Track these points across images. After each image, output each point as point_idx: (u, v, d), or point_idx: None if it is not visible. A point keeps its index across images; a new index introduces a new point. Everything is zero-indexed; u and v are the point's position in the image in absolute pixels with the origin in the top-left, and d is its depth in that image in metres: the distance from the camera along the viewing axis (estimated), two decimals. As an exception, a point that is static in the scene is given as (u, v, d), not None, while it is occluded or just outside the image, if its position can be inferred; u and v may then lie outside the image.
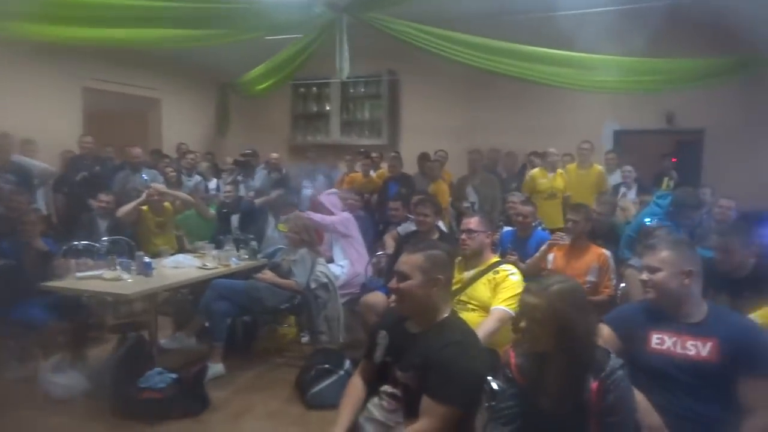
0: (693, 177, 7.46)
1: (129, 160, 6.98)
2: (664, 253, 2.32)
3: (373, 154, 8.31)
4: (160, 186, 6.22)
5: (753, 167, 6.99)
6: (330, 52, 5.85)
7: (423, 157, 7.69)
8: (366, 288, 5.05)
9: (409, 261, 2.27)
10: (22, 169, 6.03)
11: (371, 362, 2.39)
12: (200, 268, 4.86)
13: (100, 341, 4.95)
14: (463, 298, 3.35)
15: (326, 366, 4.10)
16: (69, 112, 7.79)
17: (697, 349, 2.20)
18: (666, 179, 6.36)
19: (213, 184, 7.83)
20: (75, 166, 6.88)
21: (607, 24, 5.72)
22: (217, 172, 8.31)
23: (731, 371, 2.13)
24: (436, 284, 2.24)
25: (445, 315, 2.27)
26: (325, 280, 4.82)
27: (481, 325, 3.06)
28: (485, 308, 3.26)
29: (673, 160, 7.66)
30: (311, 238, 4.93)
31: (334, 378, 4.02)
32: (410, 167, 7.73)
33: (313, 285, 4.75)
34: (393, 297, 2.43)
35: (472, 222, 3.57)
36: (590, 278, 4.03)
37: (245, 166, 7.85)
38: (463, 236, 3.55)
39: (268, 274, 4.78)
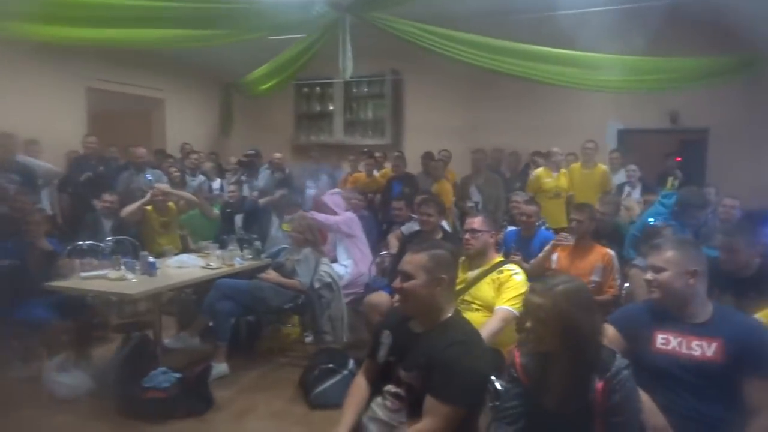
0: (697, 176, 7.44)
1: (133, 160, 6.99)
2: (669, 253, 2.31)
3: (377, 154, 8.32)
4: (164, 186, 6.23)
5: (758, 166, 6.97)
6: (333, 51, 5.85)
7: (427, 156, 7.69)
8: (370, 288, 5.06)
9: (413, 261, 2.27)
10: (26, 169, 6.04)
11: (375, 362, 2.39)
12: (204, 267, 4.86)
13: (104, 341, 4.97)
14: (466, 297, 3.34)
15: (330, 366, 4.10)
16: (73, 112, 7.81)
17: (702, 349, 2.19)
18: (670, 179, 6.33)
19: (217, 184, 7.83)
20: (79, 166, 6.90)
21: (608, 23, 5.72)
22: (220, 172, 8.32)
23: (736, 371, 2.12)
24: (439, 284, 2.24)
25: (449, 315, 2.27)
26: (329, 279, 4.82)
27: (485, 324, 3.06)
28: (489, 308, 3.26)
29: (678, 159, 7.63)
30: (315, 238, 4.93)
31: (337, 378, 4.02)
32: (414, 167, 7.73)
33: (316, 285, 4.75)
34: (397, 297, 2.42)
35: (476, 222, 3.56)
36: (594, 278, 4.01)
37: (249, 166, 7.85)
38: (467, 236, 3.54)
39: (271, 274, 4.79)
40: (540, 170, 7.03)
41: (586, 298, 1.99)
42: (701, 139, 8.03)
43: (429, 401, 2.09)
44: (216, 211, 6.46)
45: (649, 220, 4.78)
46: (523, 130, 8.33)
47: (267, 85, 7.89)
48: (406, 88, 9.67)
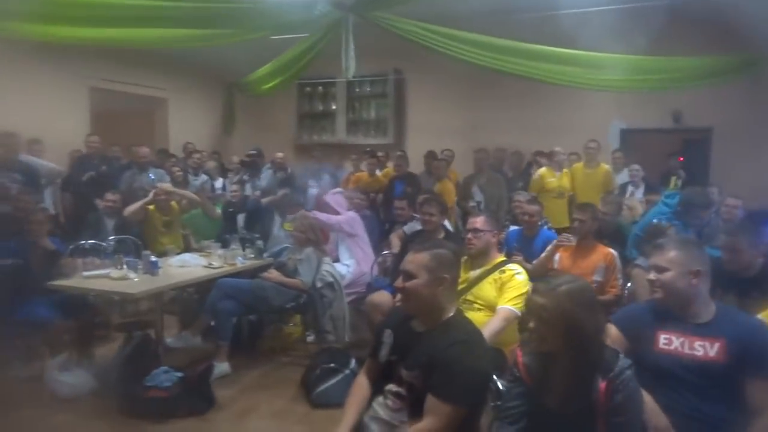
0: (700, 176, 7.43)
1: (136, 160, 7.00)
2: (672, 253, 2.30)
3: (379, 154, 8.31)
4: (167, 185, 6.23)
5: (760, 166, 6.94)
6: (336, 51, 5.85)
7: (430, 156, 7.68)
8: (372, 287, 5.05)
9: (415, 260, 2.27)
10: (29, 168, 6.05)
11: (376, 361, 2.38)
12: (206, 267, 4.86)
13: (106, 340, 4.97)
14: (468, 297, 3.34)
15: (332, 365, 4.10)
16: (76, 111, 7.82)
17: (705, 349, 2.18)
18: (674, 178, 6.33)
19: (219, 183, 7.84)
20: (82, 165, 6.91)
21: (610, 22, 5.70)
22: (223, 171, 8.33)
23: (738, 372, 2.11)
24: (441, 283, 2.23)
25: (451, 314, 2.26)
26: (331, 279, 4.82)
27: (487, 324, 3.06)
28: (491, 308, 3.26)
29: (681, 159, 7.62)
30: (317, 238, 4.93)
31: (339, 377, 4.02)
32: (416, 166, 7.72)
33: (318, 284, 4.75)
34: (399, 296, 2.42)
35: (478, 221, 3.56)
36: (597, 278, 4.01)
37: (251, 165, 7.86)
38: (469, 235, 3.54)
39: (273, 274, 4.78)
40: (543, 170, 7.02)
41: (589, 298, 1.99)
42: (704, 138, 8.01)
43: (430, 400, 2.09)
44: (218, 210, 6.47)
45: (653, 220, 4.77)
46: (526, 130, 8.32)
47: (270, 85, 7.89)
48: (408, 87, 9.67)
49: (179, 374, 3.88)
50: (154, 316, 4.73)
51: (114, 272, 4.35)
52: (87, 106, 8.00)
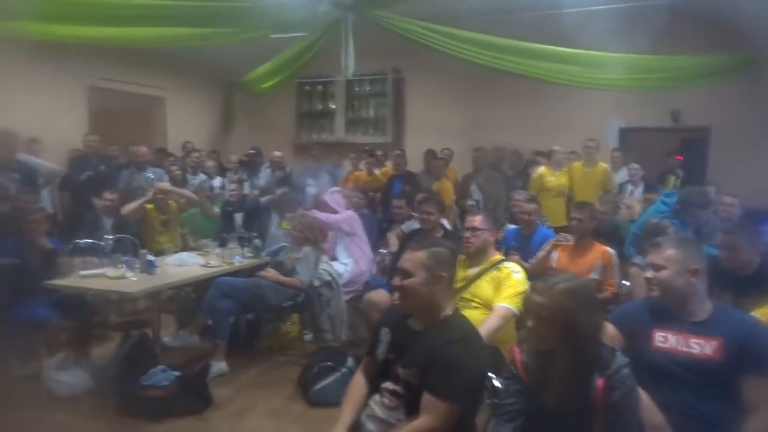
0: (699, 175, 7.43)
1: (134, 159, 7.00)
2: (670, 251, 2.30)
3: (378, 152, 8.31)
4: (165, 184, 6.23)
5: (758, 165, 6.95)
6: (335, 50, 5.84)
7: (429, 154, 7.69)
8: (369, 286, 5.06)
9: (413, 258, 2.27)
10: (27, 168, 6.03)
11: (374, 359, 2.39)
12: (204, 266, 4.86)
13: (103, 339, 4.96)
14: (466, 295, 3.35)
15: (329, 364, 4.10)
16: (74, 110, 7.81)
17: (701, 347, 2.18)
18: (672, 177, 6.33)
19: (218, 182, 7.83)
20: (80, 164, 6.90)
21: (610, 21, 5.71)
22: (221, 170, 8.33)
23: (735, 370, 2.11)
24: (439, 282, 2.23)
25: (448, 312, 2.27)
26: (329, 278, 4.82)
27: (484, 322, 3.06)
28: (488, 306, 3.26)
29: (679, 158, 7.62)
30: (315, 236, 4.93)
31: (336, 376, 4.02)
32: (415, 165, 7.72)
33: (316, 283, 4.75)
34: (396, 294, 2.42)
35: (476, 220, 3.57)
36: (594, 276, 4.01)
37: (250, 165, 7.87)
38: (467, 234, 3.54)
39: (271, 272, 4.78)
40: (543, 169, 7.02)
41: (587, 297, 1.99)
42: (702, 137, 8.02)
43: (427, 398, 2.09)
44: (216, 209, 6.46)
45: (653, 220, 4.77)
46: (525, 129, 8.32)
47: (269, 84, 7.89)
48: (407, 86, 9.67)
49: (176, 373, 3.87)
50: (152, 315, 4.73)
51: (111, 271, 4.35)
52: (85, 105, 7.99)
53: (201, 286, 5.01)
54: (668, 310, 2.30)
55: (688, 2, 6.02)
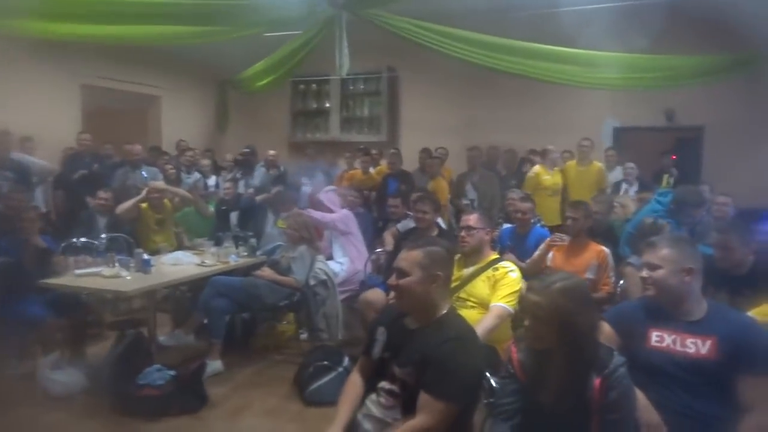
0: (693, 174, 7.44)
1: (128, 158, 6.98)
2: (665, 251, 2.31)
3: (373, 151, 8.30)
4: (160, 183, 6.22)
5: (753, 164, 6.97)
6: (329, 48, 5.84)
7: (425, 152, 7.70)
8: (365, 285, 5.05)
9: (409, 258, 2.27)
10: (20, 166, 6.02)
11: (370, 359, 2.39)
12: (199, 265, 4.86)
13: (98, 338, 4.95)
14: (462, 295, 3.35)
15: (325, 363, 4.10)
16: (68, 109, 7.78)
17: (697, 346, 2.19)
18: (666, 176, 6.35)
19: (212, 181, 7.82)
20: (73, 163, 6.88)
21: (606, 21, 5.71)
22: (216, 169, 8.31)
23: (730, 369, 2.12)
24: (435, 281, 2.24)
25: (444, 312, 2.27)
26: (324, 277, 4.82)
27: (480, 322, 3.07)
28: (484, 305, 3.27)
29: (673, 157, 7.64)
30: (310, 235, 4.92)
31: (332, 375, 4.02)
32: (409, 164, 7.72)
33: (312, 282, 4.75)
34: (392, 294, 2.42)
35: (472, 219, 3.57)
36: (589, 275, 4.02)
37: (244, 164, 7.85)
38: (463, 233, 3.54)
39: (267, 271, 4.78)
40: (538, 168, 7.03)
41: (583, 295, 2.00)
42: (697, 137, 8.04)
43: (423, 398, 2.09)
44: (211, 208, 6.45)
45: (648, 219, 4.78)
46: (519, 128, 8.33)
47: (263, 82, 7.87)
48: (402, 85, 9.66)
49: (172, 372, 3.87)
50: (147, 315, 4.72)
51: (106, 270, 4.35)
52: (79, 103, 7.95)
53: (196, 285, 5.01)
54: (664, 309, 2.31)
55: (685, 1, 6.03)
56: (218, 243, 5.34)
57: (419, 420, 2.08)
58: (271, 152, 8.07)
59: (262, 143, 8.81)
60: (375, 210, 7.06)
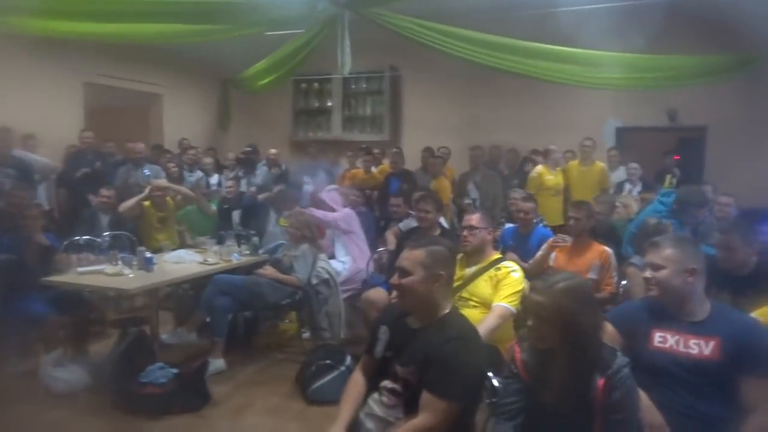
0: (695, 174, 7.43)
1: (131, 156, 6.99)
2: (668, 251, 2.31)
3: (375, 150, 8.29)
4: (162, 181, 6.22)
5: (755, 165, 6.96)
6: (332, 47, 5.83)
7: (427, 152, 7.71)
8: (367, 284, 5.05)
9: (411, 257, 2.27)
10: (23, 164, 6.03)
11: (372, 358, 2.39)
12: (201, 263, 4.86)
13: (101, 336, 4.96)
14: (464, 294, 3.35)
15: (327, 362, 4.10)
16: (70, 107, 7.79)
17: (700, 347, 2.19)
18: (668, 176, 6.34)
19: (214, 179, 7.83)
20: (76, 161, 6.88)
21: (608, 20, 5.71)
22: (218, 167, 8.32)
23: (733, 370, 2.12)
24: (437, 280, 2.24)
25: (446, 311, 2.27)
26: (327, 276, 4.82)
27: (483, 321, 3.07)
28: (486, 305, 3.27)
29: (676, 157, 7.63)
30: (312, 234, 4.93)
31: (334, 374, 4.02)
32: (412, 163, 7.72)
33: (314, 281, 4.75)
34: (394, 293, 2.42)
35: (474, 219, 3.57)
36: (591, 275, 4.01)
37: (247, 162, 7.86)
38: (465, 233, 3.54)
39: (269, 270, 4.77)
40: (541, 168, 7.03)
41: (586, 295, 2.00)
42: (699, 137, 8.03)
43: (425, 397, 2.09)
44: (213, 206, 6.46)
45: (651, 219, 4.77)
46: (522, 128, 8.33)
47: (265, 81, 7.86)
48: (404, 84, 9.65)
49: (174, 370, 3.87)
50: (150, 313, 4.73)
51: (109, 268, 4.35)
52: (81, 101, 7.96)
53: (199, 283, 5.01)
54: (667, 309, 2.31)
55: (685, 1, 6.02)
56: (221, 241, 5.34)
57: (421, 419, 2.08)
58: (273, 151, 8.07)
59: (264, 142, 8.81)
60: (377, 209, 7.06)
